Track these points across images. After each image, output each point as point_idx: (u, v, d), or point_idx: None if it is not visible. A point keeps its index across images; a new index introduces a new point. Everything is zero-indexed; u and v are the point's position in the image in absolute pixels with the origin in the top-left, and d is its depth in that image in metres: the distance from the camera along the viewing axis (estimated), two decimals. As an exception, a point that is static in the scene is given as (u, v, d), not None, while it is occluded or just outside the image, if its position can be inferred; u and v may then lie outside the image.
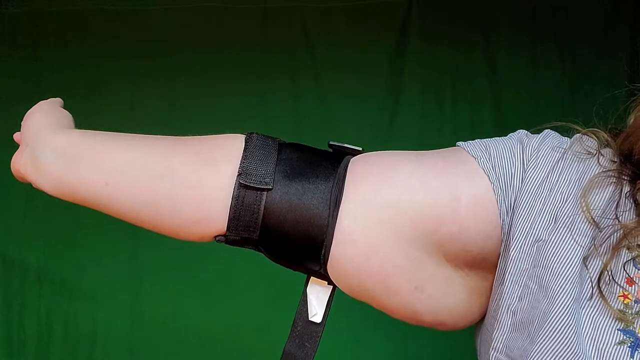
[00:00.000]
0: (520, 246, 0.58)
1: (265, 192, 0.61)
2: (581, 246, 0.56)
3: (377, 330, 1.68)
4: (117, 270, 1.68)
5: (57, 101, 0.80)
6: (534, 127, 0.67)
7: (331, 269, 0.61)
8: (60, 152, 0.66)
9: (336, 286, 0.64)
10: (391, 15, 1.71)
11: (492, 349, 0.60)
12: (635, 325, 0.53)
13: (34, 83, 1.67)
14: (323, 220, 0.60)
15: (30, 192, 1.70)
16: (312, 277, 0.65)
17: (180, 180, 0.62)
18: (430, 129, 1.71)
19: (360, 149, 0.67)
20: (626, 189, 0.57)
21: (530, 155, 0.61)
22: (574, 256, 0.56)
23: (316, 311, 0.65)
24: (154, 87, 1.69)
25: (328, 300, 0.65)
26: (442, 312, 0.63)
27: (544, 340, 0.54)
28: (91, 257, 1.68)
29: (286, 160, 0.63)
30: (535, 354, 0.55)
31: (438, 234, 0.60)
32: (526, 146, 0.61)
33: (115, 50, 1.68)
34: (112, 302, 1.68)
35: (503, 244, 0.60)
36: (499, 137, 0.65)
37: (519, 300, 0.58)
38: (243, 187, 0.61)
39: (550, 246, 0.57)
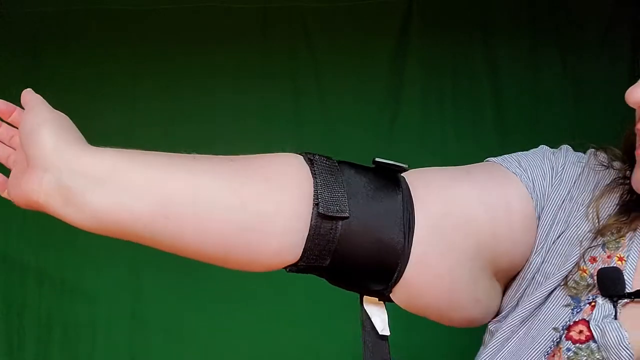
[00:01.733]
0: (540, 249, 0.68)
1: (341, 220, 0.60)
2: (582, 247, 0.66)
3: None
4: (117, 270, 1.68)
5: (44, 101, 0.66)
6: (535, 127, 0.71)
7: (399, 289, 0.63)
8: (99, 179, 0.57)
9: (388, 301, 0.66)
10: (391, 15, 1.71)
11: (491, 322, 0.71)
12: (582, 295, 0.65)
13: (34, 83, 1.66)
14: (398, 245, 0.61)
15: (30, 192, 1.70)
16: (365, 296, 0.66)
17: (254, 211, 0.59)
18: (431, 129, 1.71)
19: (406, 166, 0.66)
20: (624, 191, 0.67)
21: (557, 172, 0.69)
22: (574, 255, 0.66)
23: (384, 326, 0.67)
24: (154, 87, 1.69)
25: (387, 315, 0.67)
26: (489, 316, 0.71)
27: (518, 310, 0.68)
28: (91, 258, 1.68)
29: (351, 184, 0.62)
30: (508, 317, 0.68)
31: (497, 250, 0.66)
32: (554, 164, 0.69)
33: (115, 50, 1.68)
34: (112, 302, 1.68)
35: None
36: (526, 151, 0.72)
37: (523, 294, 0.69)
38: (320, 216, 0.59)
39: (559, 246, 0.67)
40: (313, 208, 0.59)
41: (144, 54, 1.68)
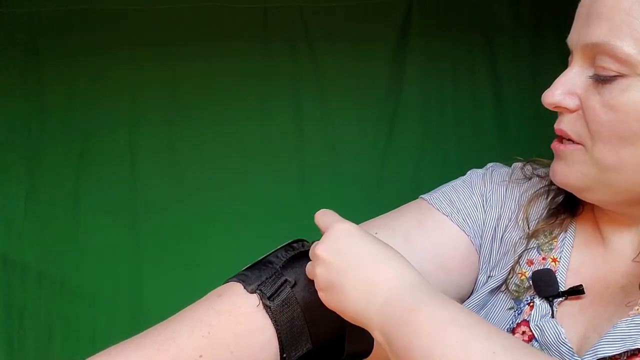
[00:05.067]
0: (485, 269, 0.74)
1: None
2: (516, 252, 0.72)
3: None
4: (118, 270, 1.68)
5: None
6: (535, 126, 0.73)
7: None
8: None
9: None
10: (392, 15, 1.70)
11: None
12: (523, 297, 0.69)
13: (34, 83, 1.66)
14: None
15: (30, 192, 1.70)
16: None
17: None
18: (431, 128, 1.71)
19: None
20: (551, 196, 0.73)
21: (486, 198, 0.75)
22: (509, 262, 0.72)
23: None
24: (154, 88, 1.69)
25: None
26: None
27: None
28: (91, 258, 1.68)
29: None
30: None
31: None
32: (483, 190, 0.76)
33: (115, 50, 1.67)
34: (113, 302, 1.68)
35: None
36: (457, 180, 0.79)
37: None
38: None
39: (498, 259, 0.73)
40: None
41: (144, 53, 1.68)
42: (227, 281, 0.70)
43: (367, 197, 1.69)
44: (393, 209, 0.81)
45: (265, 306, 0.65)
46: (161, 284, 1.68)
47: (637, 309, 0.60)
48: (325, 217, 0.66)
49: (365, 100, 1.71)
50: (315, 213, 0.68)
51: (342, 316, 0.62)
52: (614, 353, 0.58)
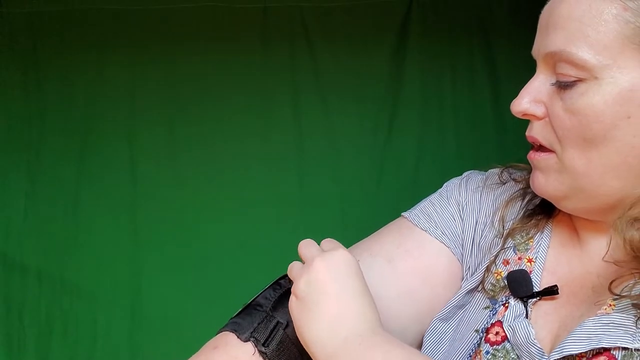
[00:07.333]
0: (466, 275, 0.74)
1: None
2: (491, 254, 0.73)
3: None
4: (118, 270, 1.68)
5: None
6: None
7: None
8: None
9: None
10: (392, 15, 1.71)
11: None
12: (499, 296, 0.69)
13: (34, 83, 1.67)
14: None
15: (30, 192, 1.70)
16: None
17: None
18: (430, 127, 1.71)
19: None
20: (527, 198, 0.75)
21: (463, 206, 0.77)
22: (485, 263, 0.72)
23: None
24: (154, 87, 1.69)
25: None
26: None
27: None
28: (91, 258, 1.68)
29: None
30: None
31: (433, 315, 0.73)
32: (459, 199, 0.77)
33: (115, 50, 1.68)
34: (113, 301, 1.68)
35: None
36: (435, 193, 0.80)
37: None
38: None
39: (477, 263, 0.74)
40: None
41: (144, 54, 1.68)
42: (220, 331, 0.69)
43: (366, 195, 1.69)
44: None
45: (261, 353, 0.65)
46: (161, 283, 1.68)
47: (605, 309, 0.60)
48: (333, 241, 0.67)
49: (364, 99, 1.71)
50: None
51: (296, 330, 0.61)
52: (580, 351, 0.58)
